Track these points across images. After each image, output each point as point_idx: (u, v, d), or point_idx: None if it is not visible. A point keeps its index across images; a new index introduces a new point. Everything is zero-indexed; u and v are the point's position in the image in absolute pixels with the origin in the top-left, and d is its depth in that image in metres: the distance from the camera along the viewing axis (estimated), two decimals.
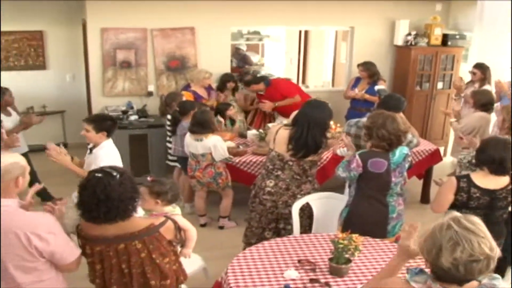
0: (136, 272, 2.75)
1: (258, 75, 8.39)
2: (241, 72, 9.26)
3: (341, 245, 3.15)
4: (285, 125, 4.42)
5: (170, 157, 6.47)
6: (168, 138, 6.41)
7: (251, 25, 9.66)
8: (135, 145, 7.05)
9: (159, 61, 7.61)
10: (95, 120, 4.29)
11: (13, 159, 2.66)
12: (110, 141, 4.34)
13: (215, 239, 5.55)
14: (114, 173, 2.69)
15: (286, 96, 7.02)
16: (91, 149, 4.37)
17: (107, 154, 4.22)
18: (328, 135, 4.36)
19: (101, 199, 2.63)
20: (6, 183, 2.59)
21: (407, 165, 3.99)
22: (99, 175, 2.69)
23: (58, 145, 4.35)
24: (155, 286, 2.79)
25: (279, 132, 4.33)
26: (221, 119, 6.57)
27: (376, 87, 6.99)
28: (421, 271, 2.11)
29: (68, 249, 2.69)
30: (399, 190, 3.96)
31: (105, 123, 4.26)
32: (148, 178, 3.44)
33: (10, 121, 5.55)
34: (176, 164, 6.36)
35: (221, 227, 5.89)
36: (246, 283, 3.14)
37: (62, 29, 8.53)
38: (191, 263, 3.16)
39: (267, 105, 7.13)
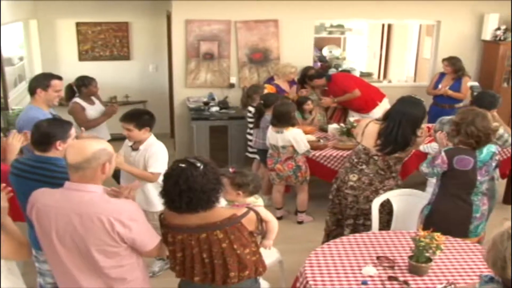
0: (218, 263, 2.80)
1: (341, 69, 8.43)
2: (323, 66, 9.31)
3: (422, 244, 3.14)
4: (376, 119, 4.47)
5: (250, 149, 6.67)
6: (248, 130, 6.61)
7: (335, 18, 9.71)
8: (215, 136, 7.32)
9: (241, 53, 7.82)
10: (134, 117, 4.26)
11: (101, 145, 2.72)
12: (153, 137, 4.41)
13: (292, 232, 5.66)
14: (198, 164, 2.74)
15: (345, 91, 7.04)
16: (133, 147, 4.42)
17: (160, 150, 4.31)
18: (418, 133, 4.36)
19: (183, 190, 2.69)
20: (94, 169, 2.65)
21: (494, 164, 3.94)
22: (183, 165, 2.74)
23: None
24: (234, 277, 2.82)
25: (369, 126, 4.41)
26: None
27: (469, 83, 6.87)
28: (492, 279, 2.07)
29: (149, 236, 2.76)
30: (484, 189, 3.93)
31: (144, 118, 4.28)
32: (230, 170, 3.53)
33: (93, 110, 5.80)
34: (256, 156, 6.55)
35: (300, 222, 6.02)
36: (323, 277, 3.19)
37: (147, 20, 8.97)
38: (268, 255, 3.25)
39: (326, 101, 7.21)
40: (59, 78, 4.63)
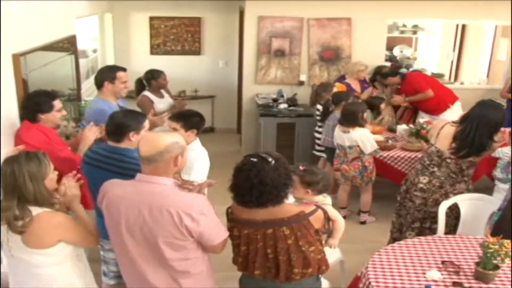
0: (282, 259, 2.81)
1: (412, 69, 8.33)
2: (393, 66, 9.23)
3: (491, 250, 3.10)
4: (453, 121, 4.43)
5: (317, 147, 6.74)
6: (317, 128, 6.68)
7: (408, 17, 9.63)
8: (282, 133, 7.44)
9: (313, 51, 7.92)
10: (184, 117, 4.10)
11: (174, 138, 2.77)
12: (198, 141, 4.17)
13: (354, 232, 5.68)
14: (270, 159, 2.76)
15: (418, 90, 6.97)
16: None
17: (200, 158, 4.06)
18: (495, 138, 4.28)
19: (254, 184, 2.71)
20: (166, 162, 2.70)
21: None
22: (255, 159, 2.76)
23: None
24: (298, 273, 2.84)
25: (445, 128, 4.39)
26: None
27: None
28: None
29: (216, 231, 2.78)
30: None
31: (193, 120, 4.10)
32: (300, 167, 3.57)
33: (162, 103, 5.93)
34: (323, 154, 6.62)
35: (363, 222, 6.05)
36: (386, 279, 3.21)
37: (219, 16, 9.21)
38: (329, 254, 3.28)
39: (397, 99, 7.16)
40: (124, 69, 4.78)
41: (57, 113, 4.12)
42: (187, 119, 4.06)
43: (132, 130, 3.37)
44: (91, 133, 4.10)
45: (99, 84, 4.70)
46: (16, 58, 4.38)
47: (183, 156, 2.79)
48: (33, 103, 4.05)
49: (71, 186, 2.98)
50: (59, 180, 3.03)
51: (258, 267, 2.89)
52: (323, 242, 3.09)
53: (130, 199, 2.72)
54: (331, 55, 7.90)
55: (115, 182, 2.90)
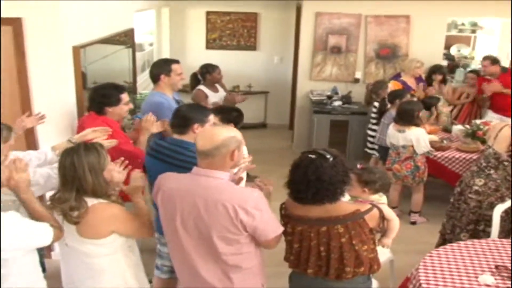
0: (334, 257, 2.81)
1: (469, 69, 8.16)
2: (450, 65, 9.06)
3: None
4: None
5: (370, 145, 6.73)
6: (371, 126, 6.67)
7: (468, 16, 9.50)
8: (335, 131, 7.48)
9: (369, 48, 7.91)
10: (222, 111, 4.17)
11: (231, 133, 2.79)
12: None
13: (404, 232, 5.54)
14: (328, 156, 2.77)
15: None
16: None
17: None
18: None
19: (312, 180, 2.74)
20: (223, 156, 2.72)
21: None
22: (313, 156, 2.78)
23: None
24: (349, 272, 2.83)
25: (504, 130, 4.34)
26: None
27: None
28: None
29: (271, 226, 2.78)
30: None
31: (232, 114, 4.16)
32: (358, 166, 3.59)
33: (216, 97, 6.04)
34: (375, 152, 6.58)
35: (413, 223, 6.00)
36: (437, 281, 3.18)
37: (276, 12, 9.30)
38: (380, 253, 3.27)
39: (493, 86, 6.86)
40: (177, 61, 4.82)
41: (124, 106, 4.20)
42: (226, 113, 4.10)
43: (196, 122, 3.41)
44: (150, 125, 4.19)
45: (155, 78, 4.76)
46: (76, 50, 4.54)
47: (239, 151, 2.82)
48: (101, 96, 4.12)
49: (136, 178, 3.02)
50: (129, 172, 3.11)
51: (311, 265, 2.90)
52: (376, 241, 3.08)
53: (185, 192, 2.76)
54: (387, 53, 7.85)
55: (171, 175, 2.94)
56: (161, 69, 4.73)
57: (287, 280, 3.20)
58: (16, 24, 4.27)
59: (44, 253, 4.10)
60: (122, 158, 3.15)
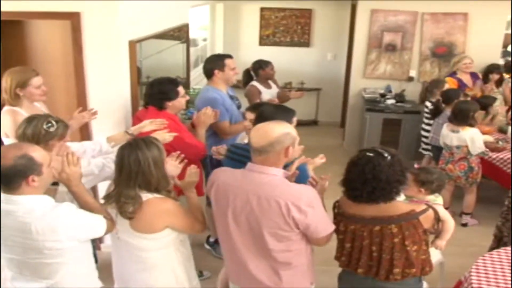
0: (386, 258, 2.79)
1: None
2: (507, 64, 8.83)
3: None
4: None
5: (423, 145, 6.65)
6: (424, 126, 6.59)
7: None
8: (388, 129, 7.45)
9: (425, 47, 7.82)
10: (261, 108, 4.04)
11: (285, 129, 2.77)
12: None
13: (455, 234, 5.52)
14: (386, 154, 2.75)
15: None
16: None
17: None
18: None
19: (368, 179, 2.72)
20: (277, 152, 2.71)
21: None
22: (371, 154, 2.77)
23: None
24: (398, 273, 2.81)
25: None
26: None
27: None
28: None
29: (323, 225, 2.78)
30: None
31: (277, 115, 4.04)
32: (415, 165, 3.57)
33: (269, 94, 6.05)
34: (428, 153, 6.51)
35: (465, 225, 5.92)
36: (490, 285, 3.13)
37: (331, 8, 9.31)
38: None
39: None
40: (231, 56, 4.89)
41: (182, 99, 4.25)
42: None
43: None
44: (208, 118, 4.26)
45: (209, 73, 4.81)
46: (132, 44, 4.63)
47: (294, 147, 2.81)
48: (159, 91, 4.16)
49: (192, 173, 3.06)
50: (185, 166, 3.18)
51: (361, 265, 2.89)
52: (430, 242, 3.04)
53: (239, 187, 2.78)
54: (443, 51, 7.74)
55: (226, 170, 3.00)
56: (214, 64, 4.79)
57: (336, 279, 3.20)
58: (74, 18, 4.41)
59: (95, 244, 4.23)
60: (179, 152, 3.21)
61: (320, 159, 3.49)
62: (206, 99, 4.64)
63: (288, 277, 2.85)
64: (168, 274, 2.98)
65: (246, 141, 4.33)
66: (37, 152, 2.55)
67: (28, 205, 2.51)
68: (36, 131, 3.07)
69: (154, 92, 4.18)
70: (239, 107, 5.00)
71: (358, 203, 2.83)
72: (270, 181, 2.72)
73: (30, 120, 3.14)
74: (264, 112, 3.43)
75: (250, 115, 4.00)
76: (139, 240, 2.87)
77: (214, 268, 4.64)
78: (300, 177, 3.06)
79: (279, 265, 2.82)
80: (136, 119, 4.27)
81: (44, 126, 3.09)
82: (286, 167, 2.91)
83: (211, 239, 5.15)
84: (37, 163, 2.52)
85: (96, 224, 2.75)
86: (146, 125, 3.83)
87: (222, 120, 4.57)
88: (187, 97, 4.41)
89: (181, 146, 3.33)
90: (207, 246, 5.18)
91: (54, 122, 3.13)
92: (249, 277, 2.88)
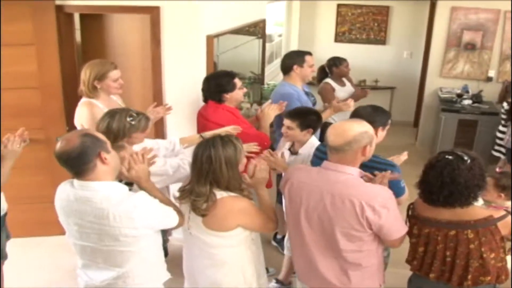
0: (460, 264, 2.74)
1: None
2: None
3: None
4: None
5: (496, 147, 6.47)
6: (500, 127, 6.40)
7: None
8: (463, 130, 7.29)
9: (506, 46, 7.63)
10: (300, 115, 3.95)
11: (363, 128, 2.76)
12: (315, 139, 4.06)
13: None
14: (465, 157, 2.68)
15: None
16: (291, 151, 4.11)
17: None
18: None
19: (446, 182, 2.67)
20: (354, 151, 2.70)
21: None
22: (450, 157, 2.70)
23: None
24: (470, 280, 2.75)
25: None
26: None
27: None
28: None
29: (397, 226, 2.75)
30: None
31: (310, 118, 3.94)
32: (497, 169, 3.47)
33: (343, 91, 6.04)
34: (501, 155, 6.33)
35: None
36: None
37: (409, 5, 9.20)
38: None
39: None
40: (310, 53, 4.89)
41: (240, 91, 4.23)
42: (304, 118, 3.93)
43: (380, 125, 3.34)
44: (272, 111, 4.27)
45: (287, 68, 4.82)
46: (210, 39, 4.66)
47: (371, 146, 2.79)
48: (216, 85, 4.15)
49: (262, 169, 3.01)
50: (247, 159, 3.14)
51: (434, 269, 2.84)
52: (506, 250, 2.94)
53: (313, 185, 2.78)
54: None
55: (302, 168, 3.02)
56: (294, 60, 4.81)
57: (405, 282, 3.15)
58: (154, 12, 4.52)
59: (166, 238, 4.34)
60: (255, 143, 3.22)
61: (404, 156, 3.51)
62: (282, 94, 4.67)
63: (357, 278, 2.84)
64: (237, 272, 2.98)
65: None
66: (97, 133, 2.63)
67: (105, 192, 2.54)
68: (120, 125, 3.17)
69: (211, 86, 4.18)
70: (314, 104, 5.01)
71: (434, 206, 2.78)
72: (346, 180, 2.71)
73: (112, 114, 3.24)
74: (360, 112, 3.38)
75: (287, 122, 3.92)
76: (210, 237, 2.89)
77: (280, 264, 4.70)
78: (393, 187, 2.97)
79: (348, 265, 2.82)
80: (199, 115, 4.33)
81: (128, 119, 3.19)
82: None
83: (278, 236, 5.20)
84: (102, 140, 2.57)
85: (169, 215, 2.79)
86: (222, 132, 3.71)
87: None
88: (245, 89, 4.37)
89: (242, 138, 3.35)
90: (274, 243, 5.23)
91: (135, 115, 3.24)
92: (317, 276, 2.90)
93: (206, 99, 4.26)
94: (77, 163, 2.50)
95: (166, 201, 2.87)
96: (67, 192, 2.62)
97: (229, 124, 3.91)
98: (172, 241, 4.69)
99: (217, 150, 2.79)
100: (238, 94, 4.22)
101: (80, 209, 2.56)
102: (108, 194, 2.54)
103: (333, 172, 2.74)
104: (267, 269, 4.42)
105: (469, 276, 2.73)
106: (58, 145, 2.50)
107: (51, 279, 4.59)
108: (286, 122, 3.91)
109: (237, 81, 4.20)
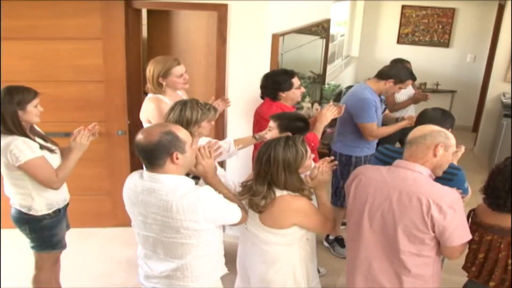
0: None
1: None
2: None
3: None
4: None
5: None
6: None
7: None
8: None
9: None
10: (283, 118, 3.79)
11: (442, 129, 2.77)
12: None
13: None
14: None
15: None
16: None
17: None
18: None
19: None
20: (426, 146, 2.73)
21: None
22: None
23: None
24: None
25: None
26: None
27: None
28: None
29: (460, 231, 2.67)
30: None
31: (293, 124, 3.74)
32: None
33: (403, 93, 5.92)
34: None
35: None
36: None
37: (475, 8, 9.05)
38: None
39: None
40: (414, 79, 4.83)
41: (297, 91, 4.22)
42: (286, 120, 3.76)
43: (448, 128, 3.26)
44: (330, 113, 4.15)
45: (385, 76, 4.63)
46: (275, 38, 4.70)
47: (446, 151, 2.77)
48: (273, 82, 4.17)
49: (324, 172, 2.99)
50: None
51: (495, 277, 2.78)
52: None
53: (381, 181, 2.79)
54: None
55: (370, 167, 3.02)
56: (400, 76, 4.62)
57: None
58: (221, 9, 4.56)
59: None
60: (332, 157, 3.11)
61: (461, 151, 3.47)
62: (360, 98, 4.57)
63: (409, 284, 2.82)
64: (288, 271, 3.00)
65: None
66: (181, 132, 2.62)
67: (172, 184, 2.57)
68: (194, 112, 3.24)
69: (268, 83, 4.20)
70: (383, 111, 5.00)
71: (500, 212, 2.74)
72: (415, 177, 2.71)
73: (183, 102, 3.30)
74: (428, 115, 3.42)
75: (270, 122, 3.78)
76: (265, 233, 2.92)
77: (330, 265, 4.80)
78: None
79: (403, 270, 2.80)
80: (256, 112, 4.35)
81: (200, 106, 3.28)
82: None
83: (331, 237, 5.23)
84: (181, 140, 2.58)
85: (233, 211, 2.78)
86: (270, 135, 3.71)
87: (372, 121, 4.55)
88: (303, 89, 4.34)
89: None
90: (326, 244, 5.26)
91: (203, 104, 3.33)
92: (370, 277, 2.91)
93: (263, 96, 4.31)
94: (149, 157, 2.57)
95: (231, 197, 2.87)
96: (135, 182, 2.68)
97: None
98: (226, 238, 4.72)
99: (277, 152, 2.79)
100: (294, 94, 4.23)
101: (145, 200, 2.61)
102: (175, 187, 2.57)
103: (403, 169, 2.76)
104: (318, 270, 4.50)
105: None
106: (139, 135, 2.59)
107: (105, 270, 4.75)
108: (270, 122, 3.80)
109: (295, 80, 4.20)
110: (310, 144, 3.87)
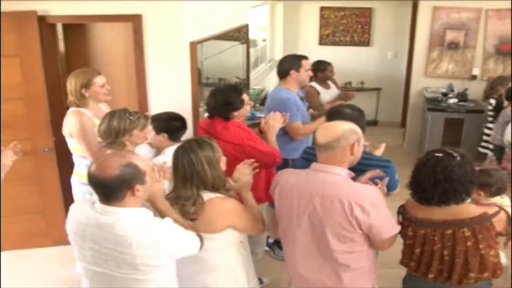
0: (459, 262, 2.74)
1: None
2: None
3: None
4: None
5: (483, 144, 6.55)
6: (487, 124, 6.46)
7: None
8: (449, 129, 7.41)
9: (489, 44, 7.74)
10: (159, 119, 3.85)
11: (351, 126, 2.78)
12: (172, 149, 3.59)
13: None
14: (455, 154, 2.70)
15: None
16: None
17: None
18: None
19: (439, 180, 2.68)
20: (342, 148, 2.72)
21: None
22: (440, 154, 2.72)
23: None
24: (471, 278, 2.75)
25: None
26: None
27: None
28: None
29: (387, 226, 2.74)
30: None
31: (169, 124, 3.83)
32: (476, 167, 3.51)
33: (328, 94, 6.07)
34: (488, 152, 6.38)
35: None
36: None
37: (391, 6, 9.32)
38: None
39: None
40: (306, 57, 4.85)
41: (247, 106, 4.12)
42: (160, 121, 3.82)
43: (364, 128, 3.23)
44: (276, 123, 4.13)
45: (284, 73, 4.76)
46: (193, 45, 4.67)
47: (359, 145, 2.79)
48: (224, 103, 3.97)
49: (244, 173, 3.02)
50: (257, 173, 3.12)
51: (433, 270, 2.84)
52: (503, 245, 2.99)
53: (302, 187, 2.79)
54: (508, 48, 7.61)
55: (290, 171, 3.03)
56: (292, 64, 4.74)
57: (398, 282, 3.17)
58: (136, 20, 4.54)
59: None
60: (252, 160, 3.12)
61: (381, 148, 3.50)
62: (279, 100, 4.63)
63: (349, 279, 2.84)
64: (229, 275, 2.99)
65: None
66: (140, 161, 2.51)
67: (131, 219, 2.44)
68: (121, 121, 3.23)
69: (218, 103, 3.99)
70: (308, 108, 5.00)
71: (428, 206, 2.79)
72: (334, 180, 2.72)
73: (112, 113, 3.30)
74: (345, 113, 3.33)
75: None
76: None
77: (272, 268, 4.77)
78: (389, 184, 3.02)
79: (340, 267, 2.82)
80: (201, 130, 4.13)
81: (127, 115, 3.26)
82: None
83: (270, 240, 5.23)
84: (142, 171, 2.46)
85: (193, 241, 2.70)
86: None
87: (295, 120, 4.55)
88: (252, 103, 4.28)
89: (255, 155, 3.34)
90: (266, 247, 5.19)
91: (134, 113, 3.32)
92: (309, 277, 2.92)
93: (211, 115, 4.10)
94: (107, 192, 2.42)
95: (185, 224, 2.76)
96: (87, 215, 2.50)
97: (244, 141, 3.84)
98: None
99: (196, 152, 2.83)
100: (246, 110, 4.11)
101: (98, 235, 2.45)
102: (134, 222, 2.44)
103: (321, 173, 2.76)
104: (261, 280, 4.42)
105: (471, 274, 2.73)
106: (94, 167, 2.43)
107: None
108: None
109: (245, 97, 4.07)
110: (275, 160, 3.90)
